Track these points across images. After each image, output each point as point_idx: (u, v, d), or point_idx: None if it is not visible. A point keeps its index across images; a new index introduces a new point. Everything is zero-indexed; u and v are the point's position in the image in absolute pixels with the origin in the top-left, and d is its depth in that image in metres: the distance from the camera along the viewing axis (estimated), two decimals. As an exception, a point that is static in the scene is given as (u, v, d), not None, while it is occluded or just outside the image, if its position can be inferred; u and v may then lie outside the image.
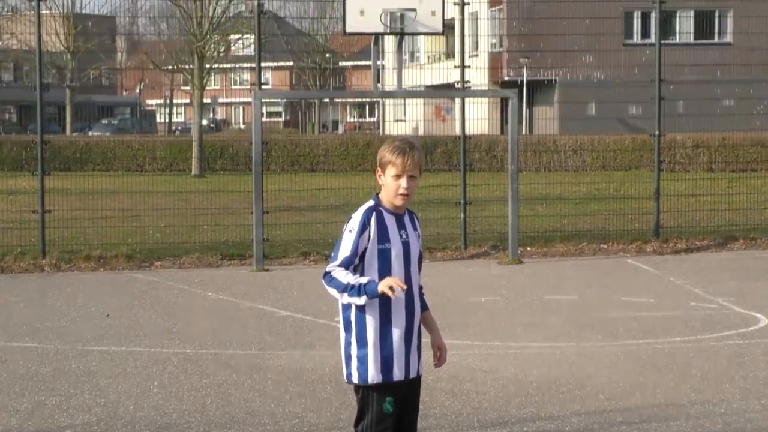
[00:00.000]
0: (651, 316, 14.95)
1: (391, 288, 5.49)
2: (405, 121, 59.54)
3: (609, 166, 40.84)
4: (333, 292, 5.78)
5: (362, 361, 5.77)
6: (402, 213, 5.87)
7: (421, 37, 51.63)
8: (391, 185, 5.75)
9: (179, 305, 16.19)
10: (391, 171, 5.71)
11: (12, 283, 18.12)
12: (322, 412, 9.76)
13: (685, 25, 64.13)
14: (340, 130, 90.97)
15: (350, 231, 5.69)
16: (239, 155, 41.56)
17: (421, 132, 50.39)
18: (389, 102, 52.46)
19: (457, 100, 27.81)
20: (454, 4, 22.21)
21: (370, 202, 5.83)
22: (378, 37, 22.03)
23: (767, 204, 26.34)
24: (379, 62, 27.58)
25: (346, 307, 5.82)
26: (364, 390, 5.81)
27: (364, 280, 5.65)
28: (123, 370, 11.63)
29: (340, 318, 5.91)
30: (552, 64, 58.76)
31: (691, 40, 63.21)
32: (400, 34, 21.09)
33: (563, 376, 11.35)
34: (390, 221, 5.78)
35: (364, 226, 5.72)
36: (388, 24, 20.17)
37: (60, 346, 12.97)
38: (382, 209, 5.77)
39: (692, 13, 63.70)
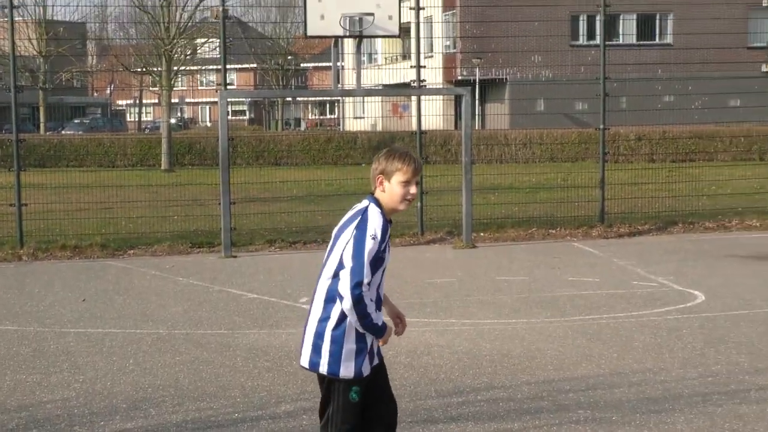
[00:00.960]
0: (596, 294, 15.15)
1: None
2: (364, 118, 59.98)
3: (557, 157, 41.70)
4: (355, 308, 5.56)
5: (337, 355, 5.71)
6: (390, 220, 5.83)
7: (378, 40, 51.92)
8: (397, 192, 5.73)
9: (152, 290, 16.13)
10: (398, 177, 5.70)
11: (-9, 272, 18.05)
12: (289, 385, 9.88)
13: (628, 28, 64.77)
14: (302, 127, 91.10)
15: (373, 238, 5.62)
16: (206, 151, 42.06)
17: (379, 128, 50.78)
18: (349, 100, 52.46)
19: (413, 98, 27.85)
20: (410, 8, 22.44)
21: (377, 209, 5.74)
22: (337, 39, 22.02)
23: (704, 191, 26.73)
24: (338, 63, 27.68)
25: (332, 307, 5.71)
26: (337, 385, 5.76)
27: (380, 322, 5.68)
28: (100, 350, 11.69)
29: (320, 313, 5.77)
30: (503, 64, 59.33)
31: (634, 41, 63.84)
32: (359, 37, 21.16)
33: (514, 349, 11.52)
34: (386, 229, 5.73)
35: (385, 235, 5.68)
36: (347, 27, 20.27)
37: (39, 328, 12.97)
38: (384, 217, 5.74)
39: (635, 17, 64.25)
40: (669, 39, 65.56)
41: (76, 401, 9.44)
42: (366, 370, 5.73)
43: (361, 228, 5.61)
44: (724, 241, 20.98)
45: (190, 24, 45.30)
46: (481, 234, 21.09)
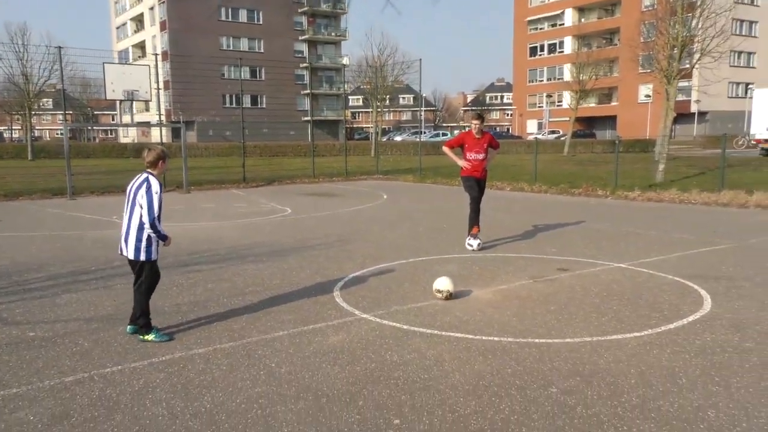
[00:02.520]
0: (246, 210, 14.71)
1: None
2: (128, 136, 56.08)
3: (218, 155, 40.06)
4: (152, 230, 5.25)
5: (149, 251, 5.34)
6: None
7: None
8: (164, 168, 5.41)
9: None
10: (167, 163, 5.43)
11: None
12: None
13: (247, 101, 63.37)
14: (97, 141, 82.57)
15: (156, 192, 5.24)
16: (58, 151, 36.98)
17: (137, 141, 47.38)
18: (125, 128, 48.42)
19: (155, 128, 26.19)
20: (154, 89, 20.95)
21: (154, 177, 5.30)
22: (121, 100, 20.32)
23: (283, 166, 26.82)
24: (122, 111, 25.58)
25: (143, 231, 5.27)
26: (147, 263, 5.38)
27: (164, 233, 5.34)
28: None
29: (136, 232, 5.26)
30: (193, 114, 56.99)
31: (249, 105, 62.65)
32: (131, 100, 19.69)
33: (213, 237, 11.10)
34: (162, 186, 5.34)
35: (161, 190, 5.31)
36: (125, 95, 18.95)
37: None
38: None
39: (250, 97, 62.90)
40: (265, 105, 65.13)
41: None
42: (157, 255, 5.49)
43: (149, 188, 5.25)
44: (296, 187, 20.75)
45: (39, 91, 39.41)
46: (193, 187, 20.09)
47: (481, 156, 9.36)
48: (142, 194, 5.24)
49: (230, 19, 65.05)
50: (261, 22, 66.74)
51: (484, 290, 6.97)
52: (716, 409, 4.01)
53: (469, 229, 9.40)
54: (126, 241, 5.35)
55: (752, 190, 15.09)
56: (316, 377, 4.60)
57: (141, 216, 5.26)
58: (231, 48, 63.89)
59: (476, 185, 9.37)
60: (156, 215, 5.24)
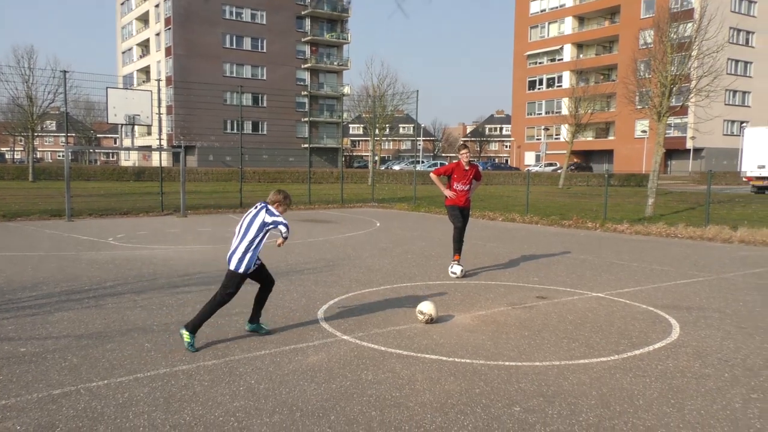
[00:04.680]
0: None
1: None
2: (129, 160, 56.22)
3: (218, 180, 40.22)
4: (287, 231, 5.90)
5: (250, 262, 5.90)
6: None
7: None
8: (279, 207, 6.03)
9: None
10: (286, 205, 6.08)
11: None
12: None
13: (248, 126, 63.94)
14: (98, 162, 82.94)
15: (280, 212, 5.97)
16: (55, 171, 37.18)
17: (137, 164, 47.65)
18: (126, 152, 48.60)
19: (155, 152, 26.48)
20: (155, 114, 21.35)
21: (269, 205, 5.95)
22: (122, 124, 20.66)
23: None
24: (124, 134, 25.90)
25: (253, 243, 5.84)
26: (237, 274, 5.91)
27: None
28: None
29: (245, 245, 5.80)
30: (193, 139, 57.42)
31: (251, 131, 63.15)
32: (133, 124, 19.99)
33: (206, 260, 11.25)
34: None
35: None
36: (127, 120, 19.30)
37: None
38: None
39: (251, 123, 63.51)
40: (266, 132, 65.70)
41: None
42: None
43: (269, 210, 5.88)
44: (292, 213, 20.54)
45: (43, 113, 39.88)
46: (190, 211, 20.24)
47: (466, 187, 9.68)
48: (261, 215, 5.87)
49: (234, 47, 66.18)
50: (265, 50, 67.90)
51: (464, 315, 7.19)
52: (667, 429, 4.22)
53: (453, 255, 9.65)
54: (232, 256, 5.94)
55: (737, 226, 15.37)
56: (293, 393, 4.81)
57: (255, 235, 5.88)
58: (234, 75, 64.87)
59: (460, 214, 9.67)
60: (286, 222, 5.89)
